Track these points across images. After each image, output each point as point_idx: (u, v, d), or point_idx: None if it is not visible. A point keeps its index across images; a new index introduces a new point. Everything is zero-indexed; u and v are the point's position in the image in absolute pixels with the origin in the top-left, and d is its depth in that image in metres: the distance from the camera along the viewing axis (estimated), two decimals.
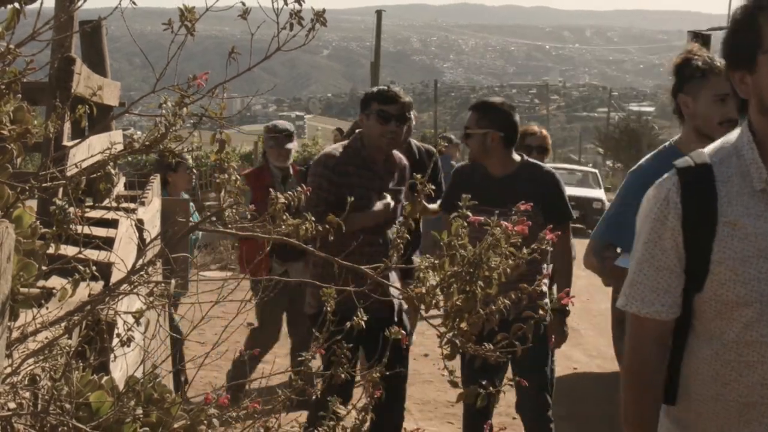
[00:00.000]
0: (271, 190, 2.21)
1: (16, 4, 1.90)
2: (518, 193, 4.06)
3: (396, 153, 4.75)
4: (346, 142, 4.75)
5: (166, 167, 6.82)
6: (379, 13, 33.44)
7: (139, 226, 3.15)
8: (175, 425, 2.02)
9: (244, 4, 1.97)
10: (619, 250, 3.88)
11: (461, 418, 6.02)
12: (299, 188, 2.03)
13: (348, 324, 2.17)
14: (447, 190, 4.89)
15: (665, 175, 2.11)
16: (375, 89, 4.67)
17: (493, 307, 1.74)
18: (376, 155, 4.59)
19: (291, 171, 6.65)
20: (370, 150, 4.58)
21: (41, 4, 1.97)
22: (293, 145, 6.68)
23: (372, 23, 33.31)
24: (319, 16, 1.89)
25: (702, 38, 9.01)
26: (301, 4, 1.89)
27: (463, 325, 1.75)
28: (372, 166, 4.58)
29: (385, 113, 4.50)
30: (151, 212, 5.64)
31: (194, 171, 6.75)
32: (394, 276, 4.16)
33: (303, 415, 2.44)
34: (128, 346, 2.26)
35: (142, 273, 2.05)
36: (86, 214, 2.18)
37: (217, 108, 2.02)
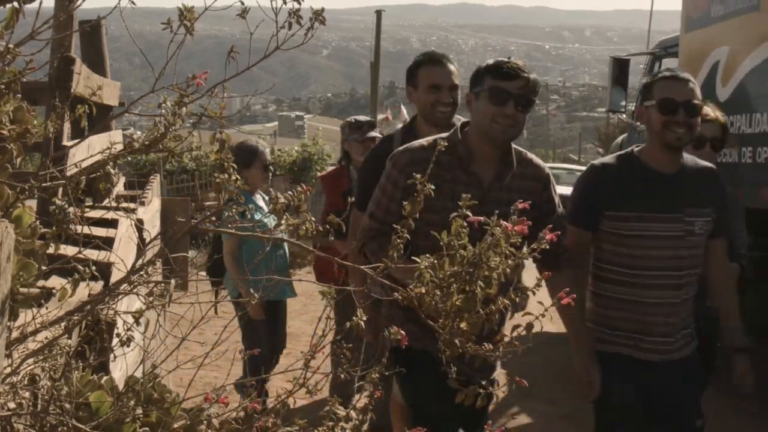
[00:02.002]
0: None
1: (15, 4, 1.90)
2: (697, 196, 3.55)
3: (527, 155, 3.55)
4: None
5: (238, 163, 6.28)
6: (378, 13, 33.41)
7: (139, 225, 3.15)
8: (175, 425, 2.02)
9: (242, 3, 1.96)
10: None
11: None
12: (299, 188, 2.02)
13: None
14: (579, 196, 3.68)
15: None
16: (491, 61, 3.43)
17: (493, 307, 1.74)
18: (483, 149, 3.39)
19: None
20: (473, 142, 3.41)
21: (40, 3, 1.97)
22: (377, 134, 5.81)
23: (372, 23, 33.29)
24: (318, 15, 1.89)
25: (620, 63, 9.00)
26: (300, 3, 1.88)
27: (463, 324, 1.75)
28: (469, 166, 3.39)
29: (502, 91, 3.30)
30: (150, 212, 5.64)
31: (271, 167, 5.89)
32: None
33: (303, 413, 2.44)
34: (128, 346, 2.26)
35: (141, 273, 2.05)
36: (86, 214, 2.17)
37: (217, 107, 2.02)
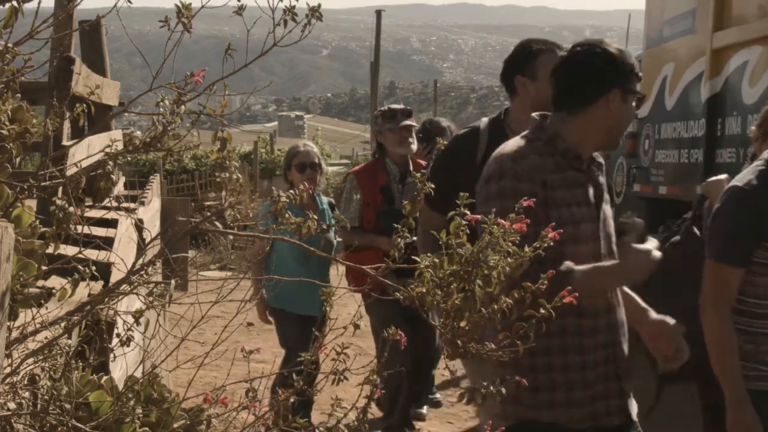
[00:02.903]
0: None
1: (14, 2, 1.90)
2: None
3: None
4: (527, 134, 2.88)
5: (286, 168, 5.60)
6: (378, 13, 33.43)
7: (139, 225, 3.15)
8: (175, 425, 2.02)
9: (239, 0, 1.96)
10: None
11: (461, 419, 6.02)
12: (301, 186, 2.01)
13: None
14: (731, 229, 3.14)
15: None
16: (629, 58, 2.81)
17: (495, 306, 1.74)
18: (588, 147, 2.84)
19: (411, 166, 5.30)
20: (579, 139, 2.81)
21: (39, 2, 1.97)
22: (412, 122, 5.31)
23: (371, 23, 33.29)
24: (314, 12, 1.88)
25: None
26: (296, 0, 1.88)
27: (463, 324, 1.75)
28: (578, 163, 2.83)
29: (635, 91, 2.81)
30: (150, 212, 5.64)
31: (321, 167, 5.52)
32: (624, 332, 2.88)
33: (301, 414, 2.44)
34: (128, 346, 2.25)
35: (141, 273, 2.05)
36: (86, 214, 2.17)
37: (216, 106, 2.02)
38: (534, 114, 2.89)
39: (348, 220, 4.99)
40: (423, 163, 5.26)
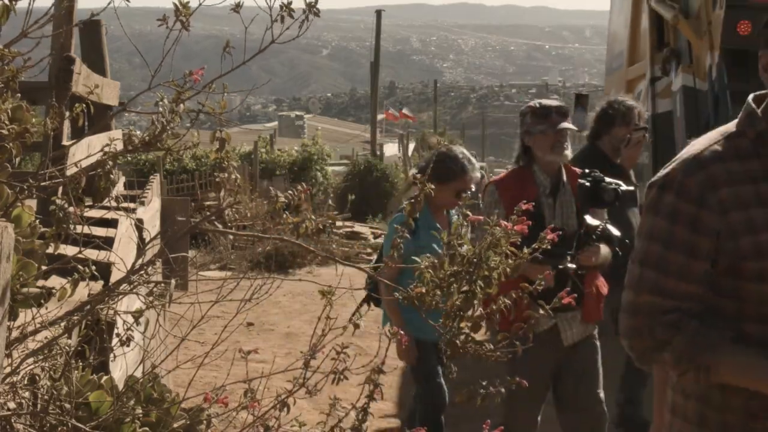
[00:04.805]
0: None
1: (6, 1, 1.90)
2: None
3: None
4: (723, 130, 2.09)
5: (433, 171, 4.45)
6: (378, 12, 33.43)
7: (139, 225, 3.15)
8: (175, 425, 2.02)
9: None
10: None
11: (461, 418, 6.01)
12: (299, 187, 2.01)
13: None
14: None
15: None
16: None
17: (494, 307, 1.74)
18: None
19: (564, 175, 4.27)
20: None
21: (32, 1, 1.97)
22: (569, 124, 4.29)
23: (371, 23, 33.29)
24: (311, 8, 1.88)
25: (580, 98, 11.00)
26: None
27: (463, 324, 1.75)
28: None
29: None
30: (150, 212, 5.64)
31: (480, 173, 4.73)
32: None
33: (303, 414, 2.43)
34: (128, 345, 2.25)
35: (141, 273, 2.05)
36: (86, 214, 2.17)
37: (216, 106, 2.02)
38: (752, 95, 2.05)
39: None
40: (578, 171, 4.32)
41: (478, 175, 4.67)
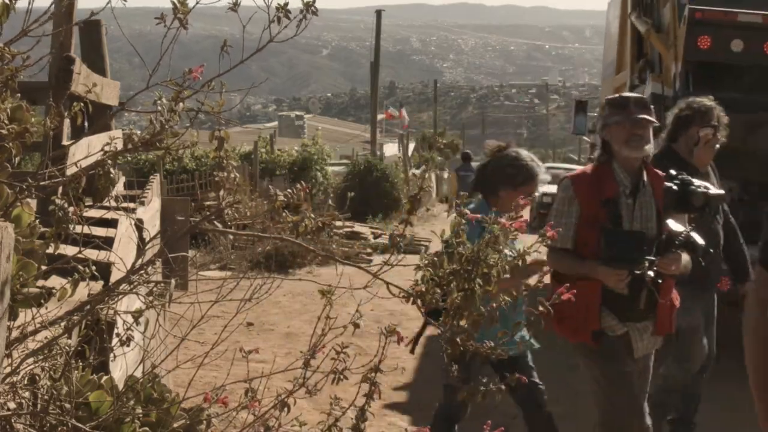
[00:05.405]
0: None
1: (6, 0, 1.90)
2: None
3: None
4: None
5: (506, 174, 4.46)
6: (378, 12, 33.41)
7: (139, 225, 3.15)
8: (175, 425, 2.02)
9: None
10: None
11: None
12: (298, 186, 2.01)
13: None
14: None
15: None
16: None
17: (494, 305, 1.74)
18: None
19: (645, 174, 4.00)
20: None
21: (32, 0, 1.97)
22: (650, 116, 3.96)
23: (371, 23, 33.27)
24: (309, 7, 1.89)
25: (580, 104, 11.99)
26: None
27: (463, 322, 1.75)
28: None
29: None
30: (150, 212, 5.64)
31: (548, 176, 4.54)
32: None
33: (303, 414, 2.43)
34: (128, 345, 2.25)
35: (141, 273, 2.05)
36: (86, 214, 2.17)
37: (215, 105, 2.02)
38: None
39: (559, 240, 3.77)
40: (660, 173, 4.06)
41: (548, 177, 4.54)
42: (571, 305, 3.52)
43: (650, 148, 3.98)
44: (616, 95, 4.17)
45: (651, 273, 3.73)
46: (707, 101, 5.09)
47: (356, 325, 2.12)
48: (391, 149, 38.36)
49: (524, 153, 4.54)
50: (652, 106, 4.02)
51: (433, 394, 6.87)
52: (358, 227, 16.45)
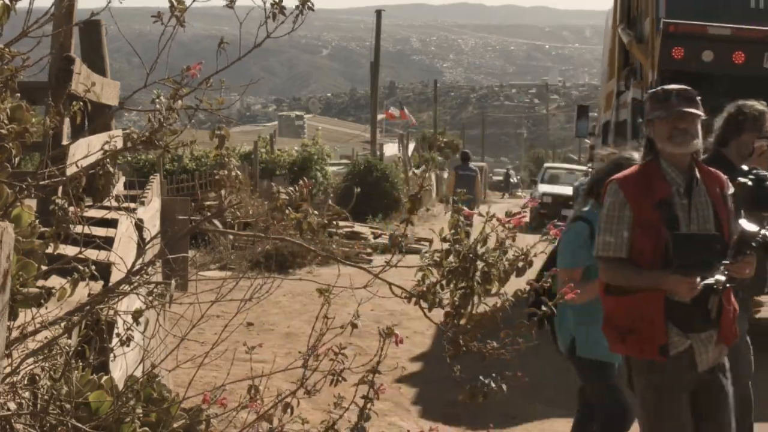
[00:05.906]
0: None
1: (7, 0, 1.90)
2: None
3: None
4: None
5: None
6: (378, 12, 33.40)
7: (139, 225, 3.15)
8: (175, 425, 2.02)
9: None
10: None
11: (461, 418, 6.00)
12: (300, 183, 2.01)
13: None
14: None
15: None
16: None
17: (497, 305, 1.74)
18: None
19: (697, 171, 3.71)
20: None
21: (32, 1, 1.97)
22: (697, 110, 3.66)
23: (371, 23, 33.27)
24: (305, 3, 1.89)
25: (582, 108, 13.36)
26: None
27: (463, 321, 1.75)
28: None
29: None
30: (150, 212, 5.64)
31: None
32: None
33: (303, 413, 2.43)
34: (128, 345, 2.25)
35: (141, 273, 2.05)
36: (86, 214, 2.17)
37: (214, 103, 2.02)
38: None
39: (611, 248, 3.59)
40: (715, 172, 3.79)
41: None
42: (633, 322, 3.55)
43: (698, 143, 3.69)
44: (659, 88, 3.87)
45: (723, 278, 3.47)
46: (758, 105, 4.84)
47: (354, 326, 2.12)
48: (391, 149, 38.37)
49: (636, 156, 4.18)
50: (698, 98, 3.68)
51: (433, 394, 6.87)
52: (358, 227, 16.46)
